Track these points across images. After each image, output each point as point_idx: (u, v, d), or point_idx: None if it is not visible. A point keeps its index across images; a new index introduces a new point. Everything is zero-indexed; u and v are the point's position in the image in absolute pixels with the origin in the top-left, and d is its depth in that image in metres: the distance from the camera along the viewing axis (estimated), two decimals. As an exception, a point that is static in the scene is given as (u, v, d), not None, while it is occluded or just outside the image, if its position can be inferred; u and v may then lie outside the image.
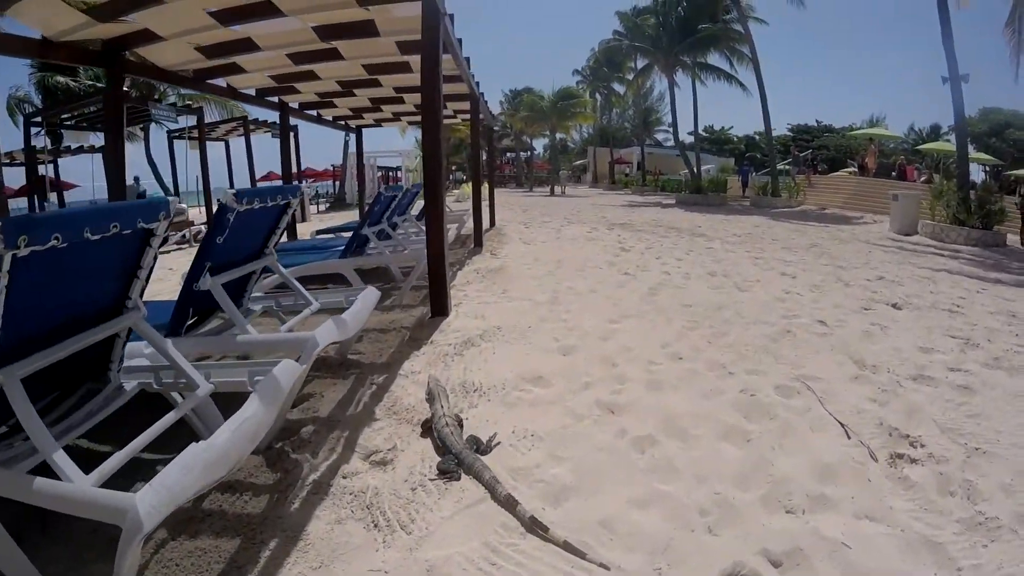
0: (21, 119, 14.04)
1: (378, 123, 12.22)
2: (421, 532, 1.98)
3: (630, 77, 32.62)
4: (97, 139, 14.16)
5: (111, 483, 1.65)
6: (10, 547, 1.74)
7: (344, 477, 2.33)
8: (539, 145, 49.07)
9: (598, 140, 45.77)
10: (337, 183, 28.51)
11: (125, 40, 5.10)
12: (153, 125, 15.93)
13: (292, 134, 17.37)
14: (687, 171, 25.82)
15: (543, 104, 34.31)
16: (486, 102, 9.84)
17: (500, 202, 21.26)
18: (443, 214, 4.76)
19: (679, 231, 11.60)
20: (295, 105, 9.17)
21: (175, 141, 15.50)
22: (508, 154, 48.55)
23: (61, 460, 1.64)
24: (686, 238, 10.36)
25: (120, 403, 2.41)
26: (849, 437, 2.61)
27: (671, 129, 30.78)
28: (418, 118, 11.31)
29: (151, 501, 1.50)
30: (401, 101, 9.04)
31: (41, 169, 13.81)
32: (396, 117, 11.25)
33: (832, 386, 3.18)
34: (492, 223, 12.26)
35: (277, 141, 16.71)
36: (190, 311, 3.10)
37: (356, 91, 8.08)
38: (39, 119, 13.29)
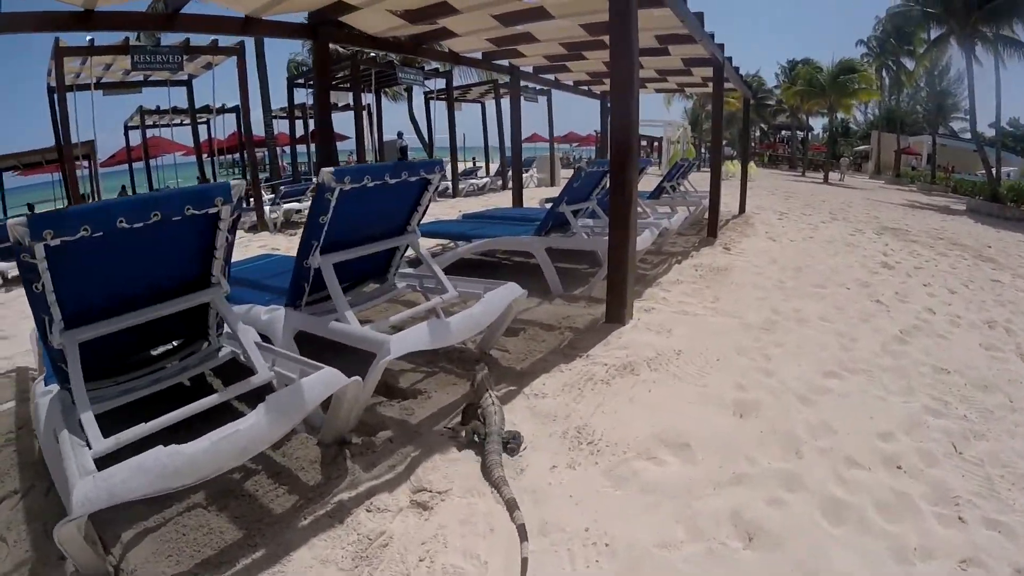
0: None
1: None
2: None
3: (923, 51, 26.82)
4: (366, 98, 15.58)
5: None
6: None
7: (368, 511, 2.01)
8: (818, 125, 43.48)
9: (884, 124, 38.81)
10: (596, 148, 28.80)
11: (324, 11, 5.15)
12: (416, 87, 17.32)
13: (546, 98, 17.63)
14: (984, 171, 20.47)
15: (820, 77, 30.09)
16: (736, 68, 8.41)
17: (764, 185, 19.23)
18: (632, 203, 3.90)
19: (962, 249, 8.94)
20: (529, 69, 8.79)
21: (431, 102, 16.60)
22: (782, 132, 44.04)
23: (87, 423, 1.80)
24: (968, 261, 7.90)
25: (209, 365, 2.62)
26: None
27: (968, 117, 24.66)
28: (664, 84, 10.29)
29: (86, 492, 1.54)
30: (639, 66, 8.12)
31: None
32: (640, 84, 10.29)
33: None
34: (742, 209, 10.83)
35: (533, 105, 17.19)
36: (305, 286, 2.88)
37: (585, 54, 7.40)
38: (300, 81, 15.05)
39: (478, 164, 21.36)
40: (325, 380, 2.08)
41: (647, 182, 10.41)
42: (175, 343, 2.82)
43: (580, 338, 3.71)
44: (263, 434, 1.85)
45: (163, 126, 17.35)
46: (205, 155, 18.50)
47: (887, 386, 3.12)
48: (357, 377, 2.17)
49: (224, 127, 18.99)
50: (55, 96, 10.45)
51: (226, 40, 10.20)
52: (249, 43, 14.84)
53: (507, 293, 3.13)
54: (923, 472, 2.32)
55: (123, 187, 17.09)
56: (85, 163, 13.87)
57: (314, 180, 2.62)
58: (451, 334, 2.69)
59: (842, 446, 2.45)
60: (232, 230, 2.19)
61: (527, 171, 18.87)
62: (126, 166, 17.78)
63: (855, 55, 32.40)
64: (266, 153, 16.64)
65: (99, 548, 1.81)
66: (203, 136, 18.06)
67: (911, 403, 2.91)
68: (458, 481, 2.17)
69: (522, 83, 11.85)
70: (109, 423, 1.86)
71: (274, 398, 1.92)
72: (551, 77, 9.57)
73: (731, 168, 20.39)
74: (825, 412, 2.75)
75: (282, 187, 10.88)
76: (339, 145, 19.14)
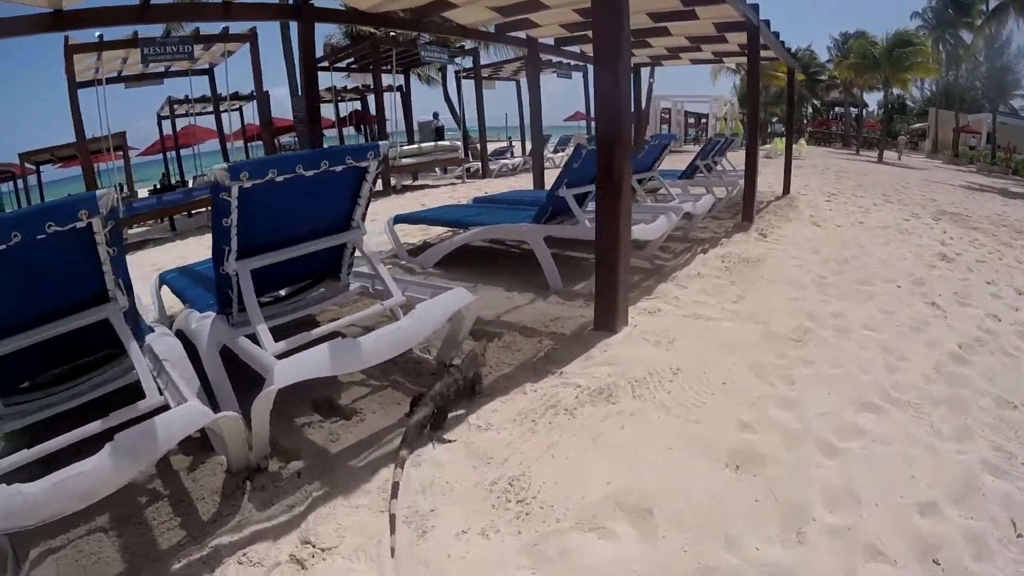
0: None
1: (655, 62, 10.59)
2: None
3: (980, 23, 24.90)
4: (397, 79, 15.10)
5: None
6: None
7: (241, 562, 1.72)
8: (873, 101, 41.18)
9: (942, 101, 36.27)
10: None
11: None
12: (450, 66, 16.88)
13: (581, 74, 16.86)
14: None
15: (875, 50, 28.16)
16: (775, 33, 7.50)
17: (815, 164, 18.08)
18: (622, 191, 3.25)
19: None
20: (549, 41, 8.12)
21: (462, 81, 16.12)
22: (836, 108, 41.81)
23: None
24: None
25: (127, 380, 2.37)
26: None
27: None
28: (698, 55, 9.45)
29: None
30: (666, 33, 7.37)
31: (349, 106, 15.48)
32: (673, 54, 9.45)
33: None
34: (786, 190, 9.98)
35: (569, 81, 16.45)
36: (230, 293, 2.53)
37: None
38: (325, 64, 14.70)
39: (514, 143, 20.72)
40: (185, 417, 1.81)
41: (679, 160, 9.67)
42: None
43: (560, 348, 3.14)
44: (108, 478, 1.65)
45: (196, 115, 17.34)
46: (239, 142, 18.59)
47: (938, 427, 2.41)
48: (229, 413, 1.93)
49: (256, 114, 18.93)
50: (75, 91, 10.43)
51: (239, 27, 9.98)
52: (274, 28, 14.62)
53: (450, 302, 2.61)
54: (968, 571, 1.65)
55: (163, 174, 17.27)
56: (120, 153, 13.98)
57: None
58: (362, 356, 2.21)
59: (864, 525, 1.78)
60: (113, 242, 1.98)
61: (562, 150, 18.14)
62: (169, 154, 17.92)
63: (910, 28, 30.55)
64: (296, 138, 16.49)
65: (11, 562, 1.78)
66: (237, 123, 18.16)
67: (966, 454, 2.20)
68: (350, 536, 1.78)
69: (554, 59, 11.25)
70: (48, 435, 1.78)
71: (123, 437, 1.70)
72: (575, 49, 8.85)
73: (779, 145, 19.21)
74: (852, 468, 2.07)
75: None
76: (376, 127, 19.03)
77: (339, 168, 2.41)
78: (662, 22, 6.72)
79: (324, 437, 2.40)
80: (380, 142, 2.65)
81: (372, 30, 12.48)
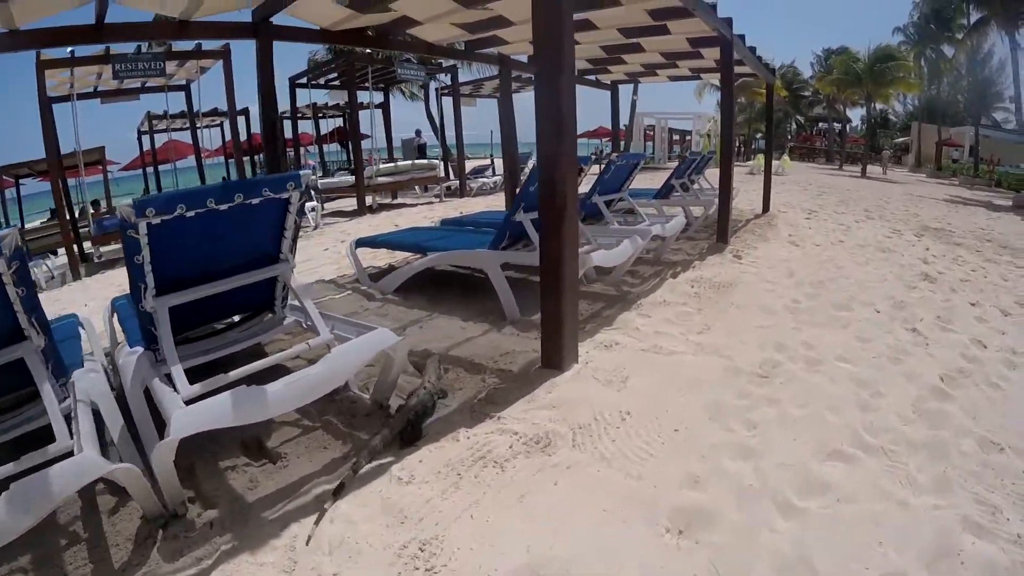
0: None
1: (631, 78, 10.50)
2: None
3: (962, 36, 25.30)
4: (377, 96, 14.98)
5: None
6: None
7: None
8: (856, 116, 41.71)
9: (925, 115, 36.66)
10: (622, 143, 28.21)
11: (266, 6, 4.82)
12: (432, 83, 16.90)
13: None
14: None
15: (857, 66, 28.41)
16: (752, 49, 7.33)
17: (798, 180, 18.03)
18: (566, 214, 2.98)
19: (1013, 253, 7.44)
20: (523, 58, 7.97)
21: (443, 98, 16.05)
22: (820, 124, 42.12)
23: None
24: (1021, 269, 6.45)
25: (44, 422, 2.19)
26: None
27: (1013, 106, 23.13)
28: (675, 71, 9.34)
29: None
30: (639, 49, 7.23)
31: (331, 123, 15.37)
32: (649, 71, 9.33)
33: None
34: (765, 207, 9.77)
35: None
36: (150, 329, 2.43)
37: (576, 36, 6.55)
38: (303, 80, 14.55)
39: (496, 160, 20.60)
40: (77, 470, 1.75)
41: (660, 179, 9.55)
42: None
43: (504, 388, 2.90)
44: (5, 527, 1.61)
45: (175, 130, 17.15)
46: (220, 158, 18.41)
47: (914, 477, 2.16)
48: (123, 465, 1.83)
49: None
50: (47, 105, 10.21)
51: (213, 43, 9.81)
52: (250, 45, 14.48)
53: (370, 345, 2.43)
54: None
55: (143, 190, 17.03)
56: (98, 168, 13.74)
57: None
58: (268, 406, 2.08)
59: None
60: (20, 283, 1.95)
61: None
62: (149, 169, 17.72)
63: (893, 43, 30.92)
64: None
65: None
66: (218, 139, 18.00)
67: (943, 510, 1.95)
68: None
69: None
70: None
71: (17, 487, 1.66)
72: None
73: (761, 161, 19.21)
74: (810, 532, 1.83)
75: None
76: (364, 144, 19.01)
77: (256, 201, 2.29)
78: (634, 38, 6.57)
79: (244, 483, 2.25)
80: (301, 171, 2.48)
81: (344, 48, 12.34)
